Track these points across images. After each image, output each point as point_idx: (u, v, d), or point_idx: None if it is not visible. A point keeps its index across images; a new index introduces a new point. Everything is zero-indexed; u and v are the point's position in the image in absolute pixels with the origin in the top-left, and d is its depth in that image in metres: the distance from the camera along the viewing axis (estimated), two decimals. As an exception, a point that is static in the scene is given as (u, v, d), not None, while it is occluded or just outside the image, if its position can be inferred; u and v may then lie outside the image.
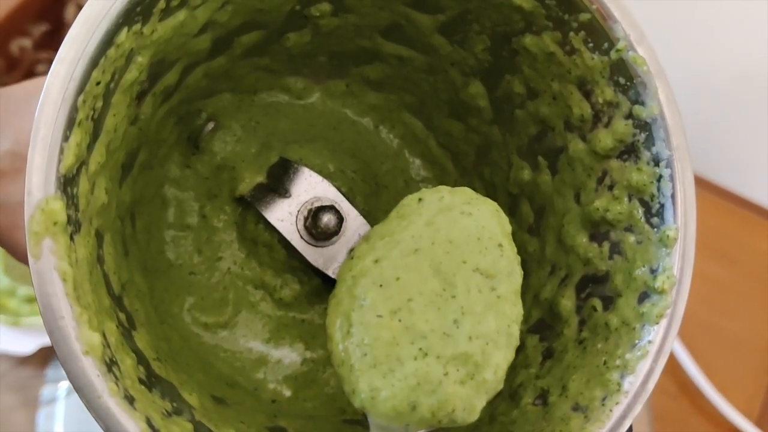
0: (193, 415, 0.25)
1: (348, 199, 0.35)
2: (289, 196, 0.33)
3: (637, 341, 0.26)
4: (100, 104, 0.23)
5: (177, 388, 0.26)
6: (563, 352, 0.28)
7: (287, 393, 0.32)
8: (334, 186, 0.34)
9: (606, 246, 0.28)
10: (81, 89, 0.22)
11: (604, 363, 0.26)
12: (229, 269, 0.34)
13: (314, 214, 0.33)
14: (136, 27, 0.23)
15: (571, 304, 0.29)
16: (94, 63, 0.22)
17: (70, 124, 0.22)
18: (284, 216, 0.33)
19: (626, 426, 0.25)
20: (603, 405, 0.25)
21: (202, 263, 0.34)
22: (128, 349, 0.24)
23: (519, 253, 0.33)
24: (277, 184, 0.34)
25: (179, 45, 0.27)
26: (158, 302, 0.32)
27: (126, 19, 0.23)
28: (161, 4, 0.24)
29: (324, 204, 0.33)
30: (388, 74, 0.35)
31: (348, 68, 0.36)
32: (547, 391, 0.27)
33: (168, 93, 0.30)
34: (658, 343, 0.25)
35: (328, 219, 0.33)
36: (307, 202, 0.33)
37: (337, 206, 0.33)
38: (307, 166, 0.34)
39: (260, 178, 0.34)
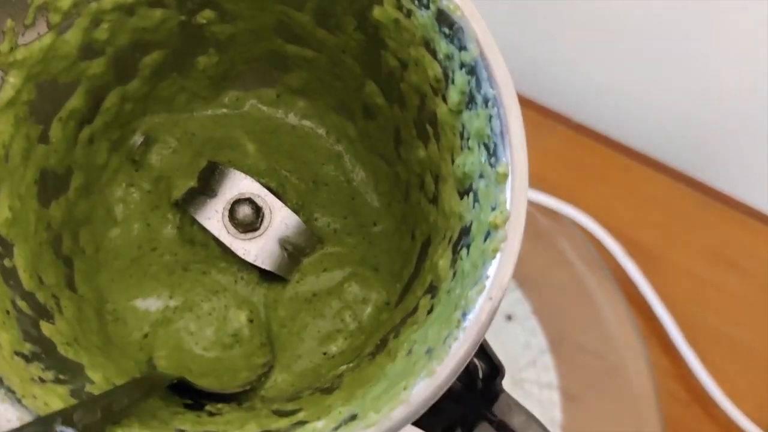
0: (84, 386, 0.28)
1: (277, 194, 0.37)
2: (215, 195, 0.36)
3: (478, 279, 0.26)
4: None
5: (84, 367, 0.29)
6: (437, 305, 0.28)
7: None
8: (261, 182, 0.36)
9: (471, 197, 0.28)
10: None
11: (455, 306, 0.26)
12: (165, 256, 0.37)
13: (231, 208, 0.35)
14: None
15: (447, 262, 0.29)
16: None
17: None
18: (211, 214, 0.36)
19: (464, 362, 0.25)
20: (444, 343, 0.25)
21: (145, 255, 0.37)
22: (11, 327, 0.27)
23: (425, 224, 0.34)
24: (206, 186, 0.36)
25: (65, 67, 0.31)
26: (116, 295, 0.35)
27: None
28: (9, 24, 0.28)
29: (244, 197, 0.36)
30: (305, 79, 0.37)
31: (271, 75, 0.38)
32: (414, 343, 0.28)
33: (82, 118, 0.33)
34: (493, 277, 0.25)
35: (243, 209, 0.35)
36: (231, 199, 0.36)
37: (259, 198, 0.36)
38: (234, 166, 0.37)
39: (191, 183, 0.37)
